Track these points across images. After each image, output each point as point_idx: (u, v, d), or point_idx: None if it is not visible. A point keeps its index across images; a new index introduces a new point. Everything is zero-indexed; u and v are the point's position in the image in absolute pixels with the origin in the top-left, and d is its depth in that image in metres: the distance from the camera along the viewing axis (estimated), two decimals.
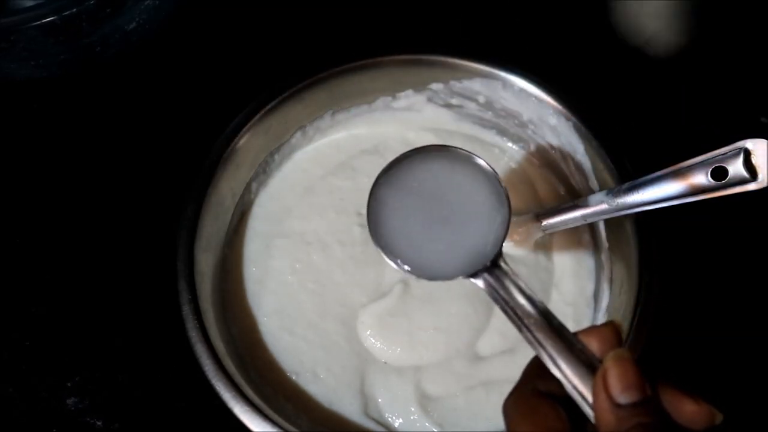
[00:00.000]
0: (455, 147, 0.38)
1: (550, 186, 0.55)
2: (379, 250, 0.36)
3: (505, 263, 0.35)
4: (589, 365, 0.30)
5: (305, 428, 0.44)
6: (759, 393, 0.48)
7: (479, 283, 0.35)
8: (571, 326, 0.48)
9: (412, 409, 0.46)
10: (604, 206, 0.44)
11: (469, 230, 0.36)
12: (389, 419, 0.47)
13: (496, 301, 0.34)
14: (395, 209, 0.37)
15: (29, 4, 0.57)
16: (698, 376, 0.49)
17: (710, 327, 0.50)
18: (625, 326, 0.43)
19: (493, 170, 0.37)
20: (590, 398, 0.30)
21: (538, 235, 0.50)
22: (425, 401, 0.47)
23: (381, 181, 0.38)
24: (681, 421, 0.29)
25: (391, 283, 0.50)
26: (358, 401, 0.47)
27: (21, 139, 0.60)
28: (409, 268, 0.36)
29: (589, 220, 0.46)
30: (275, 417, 0.41)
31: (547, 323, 0.32)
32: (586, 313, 0.50)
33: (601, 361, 0.30)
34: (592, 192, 0.50)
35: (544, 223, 0.48)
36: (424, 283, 0.49)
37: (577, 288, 0.51)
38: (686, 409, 0.29)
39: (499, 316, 0.48)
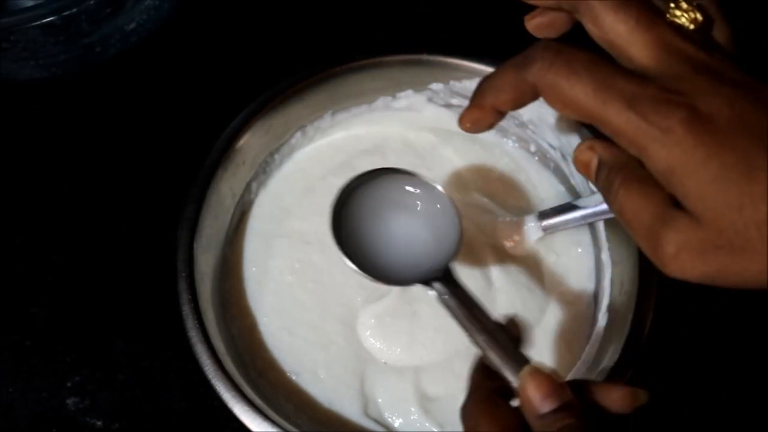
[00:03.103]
0: (419, 174, 0.41)
1: (550, 186, 0.55)
2: (341, 254, 0.39)
3: (454, 275, 0.38)
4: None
5: (305, 428, 0.44)
6: (759, 393, 0.48)
7: (431, 291, 0.38)
8: (571, 326, 0.49)
9: (412, 409, 0.46)
10: (604, 206, 0.44)
11: (425, 244, 0.41)
12: (389, 419, 0.47)
13: (447, 308, 0.37)
14: (359, 220, 0.41)
15: (29, 4, 0.57)
16: (698, 376, 0.49)
17: (710, 327, 0.50)
18: (625, 326, 0.43)
19: (450, 198, 0.41)
20: None
21: (538, 235, 0.50)
22: (425, 401, 0.47)
23: (345, 194, 0.41)
24: (614, 409, 0.32)
25: None
26: (358, 401, 0.47)
27: (21, 140, 0.60)
28: (370, 273, 0.39)
29: (589, 220, 0.46)
30: (275, 417, 0.41)
31: (488, 329, 0.35)
32: (586, 313, 0.50)
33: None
34: (592, 192, 0.50)
35: (544, 223, 0.49)
36: None
37: (577, 288, 0.51)
38: (613, 396, 0.32)
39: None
